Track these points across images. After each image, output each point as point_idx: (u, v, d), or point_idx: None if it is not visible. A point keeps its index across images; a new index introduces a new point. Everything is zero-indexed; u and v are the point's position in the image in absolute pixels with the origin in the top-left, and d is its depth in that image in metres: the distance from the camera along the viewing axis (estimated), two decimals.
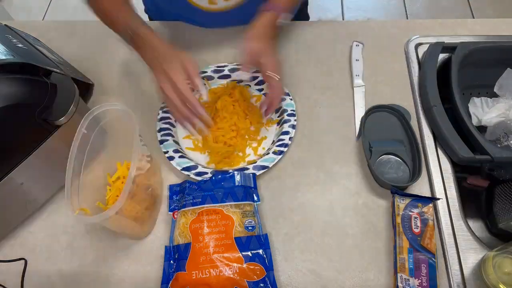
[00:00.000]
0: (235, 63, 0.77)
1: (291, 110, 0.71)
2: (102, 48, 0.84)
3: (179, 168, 0.65)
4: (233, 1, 0.77)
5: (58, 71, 0.62)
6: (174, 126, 0.72)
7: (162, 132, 0.69)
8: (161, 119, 0.71)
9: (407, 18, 1.94)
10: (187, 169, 0.65)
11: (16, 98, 0.52)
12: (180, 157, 0.66)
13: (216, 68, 0.77)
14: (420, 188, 0.65)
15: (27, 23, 0.88)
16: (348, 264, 0.59)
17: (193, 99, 0.61)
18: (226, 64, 0.77)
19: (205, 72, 0.76)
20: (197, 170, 0.65)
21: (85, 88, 0.74)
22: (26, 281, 0.60)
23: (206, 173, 0.65)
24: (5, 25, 0.72)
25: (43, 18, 2.08)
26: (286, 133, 0.68)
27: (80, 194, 0.55)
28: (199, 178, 0.64)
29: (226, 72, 0.76)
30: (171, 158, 0.66)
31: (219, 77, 0.77)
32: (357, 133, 0.70)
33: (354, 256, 0.60)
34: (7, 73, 0.53)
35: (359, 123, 0.71)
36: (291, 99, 0.72)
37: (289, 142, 0.68)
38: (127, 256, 0.61)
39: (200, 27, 0.85)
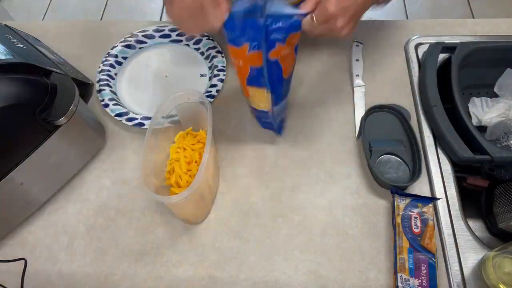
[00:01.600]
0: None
1: (221, 66, 0.76)
2: (102, 48, 0.84)
3: (112, 114, 0.70)
4: None
5: (58, 71, 0.62)
6: (113, 79, 0.78)
7: (101, 83, 0.75)
8: (101, 71, 0.77)
9: (407, 18, 1.94)
10: (119, 115, 0.70)
11: (16, 98, 0.52)
12: (114, 104, 0.72)
13: (157, 27, 0.82)
14: (420, 188, 0.65)
15: (27, 23, 0.88)
16: (348, 264, 0.59)
17: None
18: (167, 24, 0.83)
19: (146, 31, 0.81)
20: (128, 116, 0.70)
21: (85, 88, 0.74)
22: (26, 281, 0.60)
23: (137, 118, 0.70)
24: (5, 25, 0.72)
25: (43, 18, 2.08)
26: (214, 85, 0.73)
27: (149, 175, 0.56)
28: (130, 124, 0.69)
29: (166, 31, 0.82)
30: (106, 105, 0.72)
31: (160, 36, 0.82)
32: (357, 133, 0.70)
33: (354, 256, 0.60)
34: (7, 73, 0.53)
35: (359, 123, 0.71)
36: (223, 56, 0.77)
37: (216, 94, 0.72)
38: (127, 255, 0.61)
39: None
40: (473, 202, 0.70)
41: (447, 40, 0.77)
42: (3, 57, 0.54)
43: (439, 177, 0.65)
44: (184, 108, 0.63)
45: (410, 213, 0.59)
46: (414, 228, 0.58)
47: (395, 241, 0.58)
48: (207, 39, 0.80)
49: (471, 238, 0.60)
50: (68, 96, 0.59)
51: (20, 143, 0.56)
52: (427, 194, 0.64)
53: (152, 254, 0.61)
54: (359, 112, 0.72)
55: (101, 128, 0.72)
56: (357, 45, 0.80)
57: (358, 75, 0.76)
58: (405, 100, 0.73)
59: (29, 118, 0.54)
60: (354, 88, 0.75)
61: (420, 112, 0.71)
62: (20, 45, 0.63)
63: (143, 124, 0.69)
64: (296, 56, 0.55)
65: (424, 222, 0.59)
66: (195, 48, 0.82)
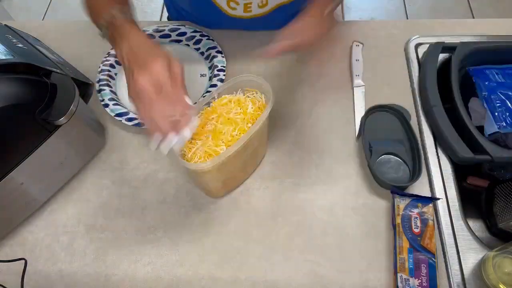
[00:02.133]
0: (177, 23, 0.83)
1: (221, 66, 0.76)
2: (102, 48, 0.84)
3: (112, 114, 0.70)
4: (266, 8, 0.75)
5: (58, 71, 0.62)
6: (113, 79, 0.78)
7: (101, 83, 0.75)
8: (101, 71, 0.77)
9: (407, 18, 1.94)
10: (119, 115, 0.70)
11: (16, 98, 0.52)
12: (114, 104, 0.72)
13: (157, 27, 0.82)
14: (420, 188, 0.65)
15: (27, 23, 0.88)
16: (348, 264, 0.59)
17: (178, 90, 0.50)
18: (167, 24, 0.84)
19: (147, 31, 0.82)
20: (128, 116, 0.70)
21: (85, 88, 0.74)
22: (26, 281, 0.60)
23: (137, 118, 0.69)
24: (5, 25, 0.72)
25: (43, 18, 2.08)
26: (214, 85, 0.73)
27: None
28: (130, 124, 0.69)
29: (166, 31, 0.82)
30: (106, 105, 0.71)
31: (160, 37, 0.82)
32: (357, 133, 0.70)
33: (354, 256, 0.60)
34: (7, 73, 0.53)
35: (359, 123, 0.71)
36: (222, 56, 0.77)
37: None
38: (127, 255, 0.61)
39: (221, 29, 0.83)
40: (473, 202, 0.70)
41: (447, 40, 0.77)
42: (3, 57, 0.54)
43: (439, 177, 0.65)
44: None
45: (410, 213, 0.59)
46: (414, 228, 0.58)
47: (395, 241, 0.58)
48: (207, 39, 0.80)
49: (471, 238, 0.60)
50: (68, 96, 0.59)
51: (20, 143, 0.56)
52: (427, 194, 0.64)
53: (152, 254, 0.61)
54: (359, 112, 0.72)
55: (101, 128, 0.72)
56: (357, 45, 0.80)
57: (358, 75, 0.76)
58: (405, 100, 0.73)
59: (29, 118, 0.54)
60: (354, 88, 0.75)
61: (420, 112, 0.71)
62: (20, 45, 0.63)
63: (143, 124, 0.69)
64: None
65: (424, 222, 0.59)
66: (195, 48, 0.82)
